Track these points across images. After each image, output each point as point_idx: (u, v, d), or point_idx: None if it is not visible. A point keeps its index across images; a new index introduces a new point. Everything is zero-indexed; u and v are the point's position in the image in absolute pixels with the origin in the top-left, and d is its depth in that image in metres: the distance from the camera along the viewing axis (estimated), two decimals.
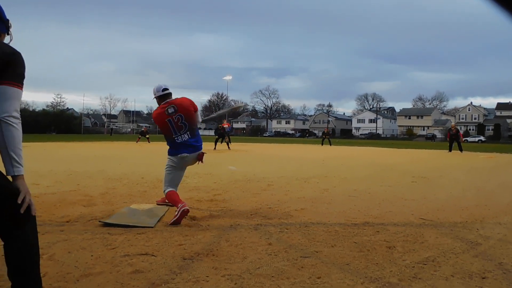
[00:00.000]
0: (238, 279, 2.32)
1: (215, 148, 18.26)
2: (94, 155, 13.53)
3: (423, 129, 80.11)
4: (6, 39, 1.81)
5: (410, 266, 2.61)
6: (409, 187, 6.65)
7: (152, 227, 3.49)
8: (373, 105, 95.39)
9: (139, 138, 27.27)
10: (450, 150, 19.70)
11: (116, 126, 76.43)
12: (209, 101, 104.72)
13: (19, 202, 1.63)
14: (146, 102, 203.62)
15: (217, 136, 19.76)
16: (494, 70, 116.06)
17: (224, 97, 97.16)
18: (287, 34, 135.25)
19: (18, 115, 1.62)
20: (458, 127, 21.08)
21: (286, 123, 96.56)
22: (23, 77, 1.69)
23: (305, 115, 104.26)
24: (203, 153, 4.07)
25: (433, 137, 33.89)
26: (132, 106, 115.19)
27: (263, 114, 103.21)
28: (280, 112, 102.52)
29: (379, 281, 2.33)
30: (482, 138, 61.94)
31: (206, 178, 7.05)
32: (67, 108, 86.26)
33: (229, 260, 2.66)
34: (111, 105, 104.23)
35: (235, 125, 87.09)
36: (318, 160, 12.86)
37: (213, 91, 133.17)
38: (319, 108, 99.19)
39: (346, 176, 7.96)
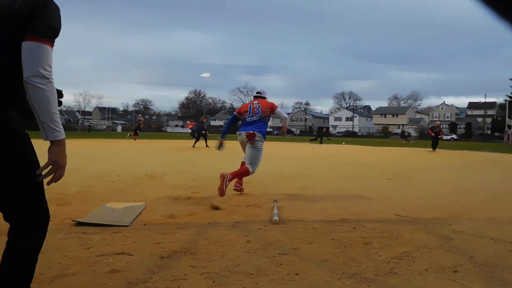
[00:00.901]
0: (216, 277, 2.31)
1: (194, 145, 18.04)
2: (69, 152, 13.17)
3: (398, 127, 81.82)
4: None
5: (386, 261, 2.66)
6: (385, 184, 6.79)
7: (128, 226, 3.43)
8: (350, 104, 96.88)
9: (136, 134, 24.75)
10: (434, 149, 18.73)
11: (91, 123, 74.85)
12: (187, 98, 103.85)
13: (38, 173, 1.47)
14: (121, 99, 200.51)
15: (197, 134, 19.41)
16: (466, 70, 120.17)
17: (202, 95, 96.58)
18: (268, 32, 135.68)
19: (46, 73, 1.37)
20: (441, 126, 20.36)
21: None
22: (53, 32, 1.43)
23: None
24: (252, 134, 5.05)
25: (404, 135, 33.86)
26: (108, 102, 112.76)
27: None
28: None
29: (356, 277, 2.36)
30: (454, 136, 63.74)
31: (185, 176, 6.99)
32: None
33: (208, 258, 2.65)
34: (86, 102, 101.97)
35: (213, 123, 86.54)
36: (297, 158, 12.95)
37: (192, 88, 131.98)
38: (297, 106, 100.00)
39: (324, 174, 8.05)
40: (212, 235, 3.22)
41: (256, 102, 5.40)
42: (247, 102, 5.65)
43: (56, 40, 1.47)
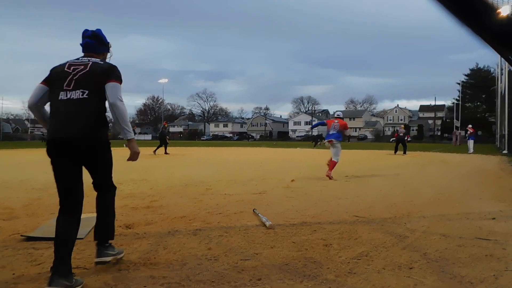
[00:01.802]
0: (177, 287, 2.26)
1: (155, 152, 17.42)
2: (15, 162, 12.47)
3: (355, 131, 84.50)
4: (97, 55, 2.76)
5: (345, 262, 2.72)
6: (343, 186, 6.96)
7: (82, 239, 3.27)
8: (308, 108, 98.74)
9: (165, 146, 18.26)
10: (395, 152, 18.67)
11: (42, 132, 71.25)
12: (144, 104, 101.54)
13: (127, 160, 2.69)
14: None
15: (160, 140, 18.60)
16: (416, 75, 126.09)
17: (160, 100, 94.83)
18: (223, 38, 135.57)
19: (122, 98, 2.52)
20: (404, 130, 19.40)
21: (224, 126, 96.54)
22: (120, 77, 2.60)
23: (242, 118, 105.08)
24: (331, 141, 8.35)
25: (315, 138, 34.95)
26: None
27: (200, 117, 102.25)
28: (217, 115, 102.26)
29: (317, 279, 2.39)
30: (408, 138, 66.59)
31: (142, 184, 6.81)
32: None
33: (168, 268, 2.58)
34: None
35: (172, 129, 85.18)
36: (256, 163, 13.00)
37: (148, 94, 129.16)
38: (256, 111, 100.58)
39: (283, 178, 8.13)
40: (172, 244, 3.14)
41: (336, 121, 8.56)
42: (328, 119, 9.67)
43: None
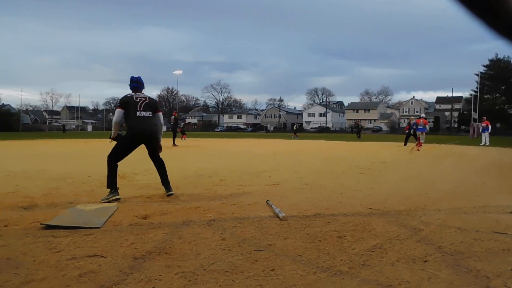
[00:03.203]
0: (191, 276, 2.29)
1: (174, 143, 17.68)
2: (34, 153, 12.75)
3: (370, 122, 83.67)
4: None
5: (359, 254, 2.72)
6: (357, 178, 6.92)
7: (99, 228, 3.35)
8: (322, 99, 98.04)
9: (185, 133, 22.83)
10: (405, 144, 18.39)
11: (59, 123, 72.56)
12: (159, 96, 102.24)
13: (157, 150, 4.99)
14: (91, 98, 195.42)
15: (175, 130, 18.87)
16: (434, 66, 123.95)
17: (175, 92, 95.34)
18: (238, 29, 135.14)
19: (162, 121, 5.08)
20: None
21: (238, 118, 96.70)
22: (161, 108, 5.29)
23: (256, 109, 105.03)
24: (422, 132, 17.54)
25: (354, 129, 35.28)
26: (76, 101, 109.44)
27: (214, 109, 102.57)
28: (231, 106, 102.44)
29: (330, 270, 2.40)
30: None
31: (157, 175, 6.86)
32: (3, 104, 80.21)
33: (182, 257, 2.62)
34: (53, 101, 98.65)
35: (186, 120, 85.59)
36: (270, 154, 13.01)
37: (163, 86, 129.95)
38: (270, 103, 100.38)
39: (297, 169, 8.12)
40: (187, 234, 3.19)
41: (422, 121, 17.22)
42: (416, 119, 17.88)
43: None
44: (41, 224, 3.40)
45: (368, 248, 2.85)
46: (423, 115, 19.43)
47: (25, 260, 2.53)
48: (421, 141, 17.15)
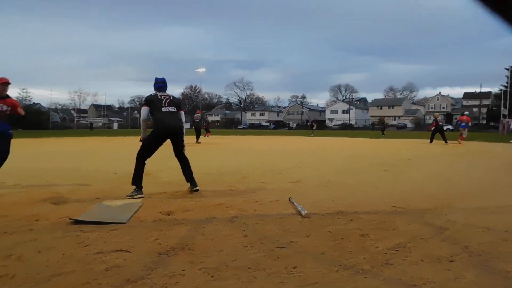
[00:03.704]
0: (214, 272, 2.32)
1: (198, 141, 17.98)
2: (63, 150, 13.15)
3: (394, 119, 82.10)
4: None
5: (382, 252, 2.69)
6: (380, 176, 6.82)
7: (125, 223, 3.43)
8: (346, 96, 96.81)
9: (209, 131, 23.38)
10: (431, 141, 17.87)
11: (87, 121, 74.53)
12: (182, 93, 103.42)
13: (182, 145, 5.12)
14: (116, 96, 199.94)
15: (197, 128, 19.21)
16: (461, 61, 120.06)
17: (198, 90, 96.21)
18: (261, 27, 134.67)
19: (184, 118, 5.20)
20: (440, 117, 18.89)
21: (260, 115, 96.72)
22: (184, 107, 4.91)
23: (279, 106, 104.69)
24: (463, 128, 19.12)
25: (376, 125, 35.16)
26: (103, 100, 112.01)
27: (237, 106, 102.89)
28: (254, 104, 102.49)
29: (353, 269, 2.38)
30: (450, 126, 63.84)
31: (180, 172, 6.97)
32: (34, 103, 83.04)
33: (205, 254, 2.66)
34: (81, 100, 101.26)
35: (209, 118, 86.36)
36: (292, 152, 12.97)
37: (186, 84, 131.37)
38: (293, 100, 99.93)
39: (319, 167, 8.07)
40: (209, 231, 3.23)
41: (465, 118, 18.68)
42: (461, 116, 19.83)
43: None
44: (69, 219, 3.51)
45: (391, 246, 2.81)
46: (466, 112, 22.06)
47: (55, 254, 2.62)
48: (464, 135, 18.52)
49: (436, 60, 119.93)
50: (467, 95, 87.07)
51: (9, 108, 5.26)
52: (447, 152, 12.97)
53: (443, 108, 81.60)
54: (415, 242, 2.93)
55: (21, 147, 14.93)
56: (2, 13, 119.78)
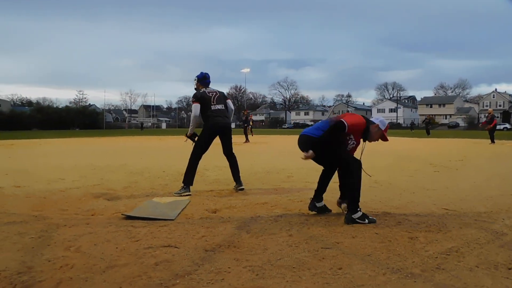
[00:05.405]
0: (259, 270, 2.35)
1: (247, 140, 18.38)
2: (115, 148, 13.80)
3: (445, 118, 78.35)
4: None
5: (433, 256, 2.58)
6: (431, 176, 6.54)
7: (173, 220, 3.55)
8: (393, 94, 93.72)
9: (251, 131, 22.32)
10: (493, 141, 16.65)
11: (137, 121, 77.68)
12: (228, 94, 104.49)
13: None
14: (165, 97, 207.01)
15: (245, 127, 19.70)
16: None
17: (243, 90, 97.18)
18: (305, 26, 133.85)
19: (233, 106, 5.33)
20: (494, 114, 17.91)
21: (305, 115, 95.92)
22: (229, 98, 5.41)
23: (324, 106, 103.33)
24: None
25: (424, 125, 32.72)
26: (152, 100, 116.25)
27: (281, 105, 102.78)
28: (298, 103, 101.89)
29: (401, 272, 2.31)
30: (507, 125, 60.04)
31: (226, 171, 7.07)
32: (89, 104, 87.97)
33: (250, 252, 2.69)
34: (132, 100, 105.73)
35: (254, 117, 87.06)
36: None
37: (231, 84, 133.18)
38: (338, 99, 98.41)
39: (366, 166, 7.86)
40: (255, 229, 3.26)
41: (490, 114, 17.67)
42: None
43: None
44: (122, 214, 3.70)
45: (443, 251, 2.69)
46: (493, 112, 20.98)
47: (109, 247, 2.77)
48: None
49: (492, 55, 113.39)
50: None
51: None
52: (507, 153, 12.17)
53: (500, 106, 76.65)
54: (469, 247, 2.79)
55: (80, 145, 15.85)
56: (73, 18, 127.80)
